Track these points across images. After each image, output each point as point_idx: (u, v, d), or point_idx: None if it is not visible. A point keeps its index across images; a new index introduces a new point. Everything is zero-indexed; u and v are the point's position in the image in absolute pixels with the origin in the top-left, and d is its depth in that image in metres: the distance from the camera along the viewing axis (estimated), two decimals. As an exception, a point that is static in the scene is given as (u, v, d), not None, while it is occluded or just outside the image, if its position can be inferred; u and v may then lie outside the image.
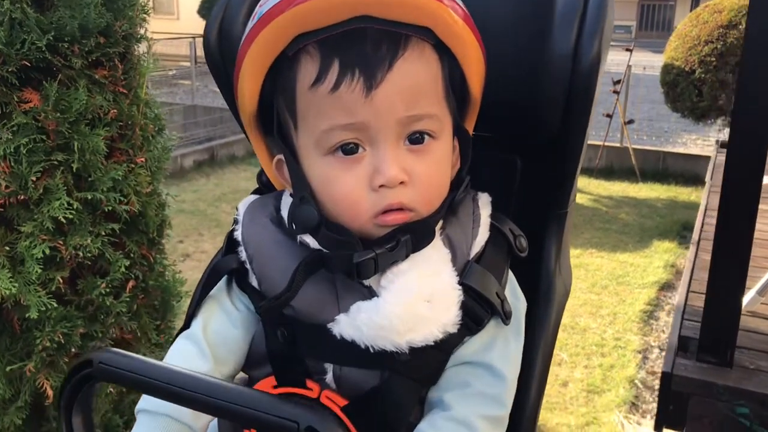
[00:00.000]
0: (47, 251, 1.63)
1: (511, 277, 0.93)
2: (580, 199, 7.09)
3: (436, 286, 0.85)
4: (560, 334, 3.61)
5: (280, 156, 0.92)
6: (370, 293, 0.86)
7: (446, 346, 0.86)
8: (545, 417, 3.22)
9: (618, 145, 8.23)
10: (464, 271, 0.87)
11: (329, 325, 0.86)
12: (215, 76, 1.15)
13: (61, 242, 1.66)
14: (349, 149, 0.83)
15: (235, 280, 0.96)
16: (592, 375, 3.63)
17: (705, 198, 4.16)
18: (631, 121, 7.99)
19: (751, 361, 2.22)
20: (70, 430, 0.76)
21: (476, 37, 0.87)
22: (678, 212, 6.50)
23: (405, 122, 0.83)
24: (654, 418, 3.29)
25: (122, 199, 1.76)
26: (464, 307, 0.85)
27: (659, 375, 3.78)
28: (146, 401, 0.88)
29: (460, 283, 0.86)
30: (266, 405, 0.64)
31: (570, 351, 3.89)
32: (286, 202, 0.94)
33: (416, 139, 0.84)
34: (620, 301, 4.58)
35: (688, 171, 7.85)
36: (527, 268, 0.94)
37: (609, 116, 7.71)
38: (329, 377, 0.90)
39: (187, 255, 5.16)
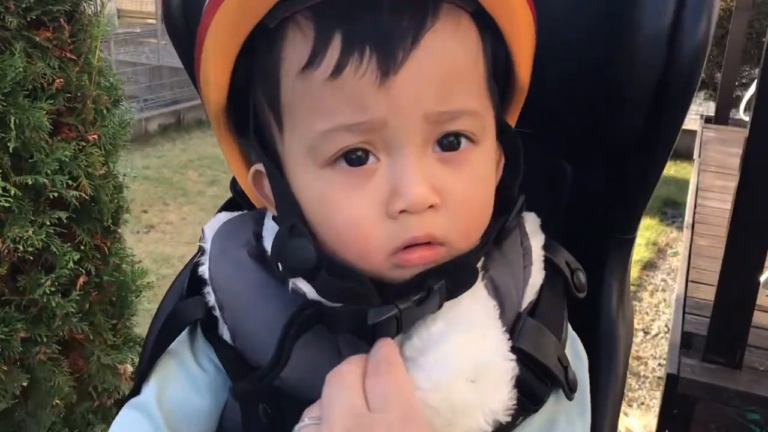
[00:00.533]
0: (-20, 244, 1.39)
1: (570, 331, 0.71)
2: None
3: (482, 356, 0.61)
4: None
5: (259, 166, 0.68)
6: None
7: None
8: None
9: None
10: (515, 330, 0.65)
11: None
12: (177, 46, 0.92)
13: (-3, 234, 1.42)
14: (356, 158, 0.60)
15: (201, 331, 0.73)
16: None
17: (695, 176, 4.01)
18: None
19: (761, 362, 2.07)
20: None
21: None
22: (658, 187, 6.29)
23: (435, 120, 0.59)
24: (641, 407, 3.18)
25: (71, 182, 1.52)
26: (518, 381, 0.63)
27: (644, 360, 3.67)
28: None
29: (513, 348, 0.64)
30: None
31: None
32: (270, 227, 0.71)
33: (450, 144, 0.61)
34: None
35: (678, 146, 7.74)
36: (580, 311, 0.73)
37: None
38: None
39: (152, 226, 4.89)
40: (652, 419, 2.99)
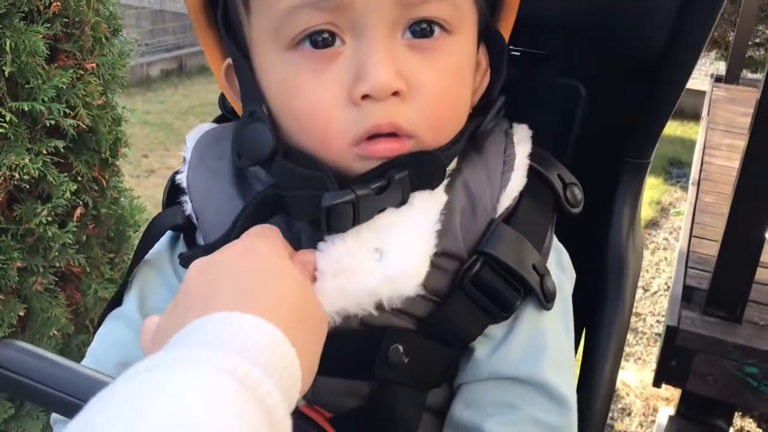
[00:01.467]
0: (-24, 171, 1.37)
1: (555, 242, 0.68)
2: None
3: (393, 227, 0.60)
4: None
5: (230, 60, 0.66)
6: None
7: (456, 332, 0.63)
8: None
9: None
10: (486, 234, 0.62)
11: None
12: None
13: (-8, 161, 1.39)
14: (321, 40, 0.57)
15: (183, 239, 0.71)
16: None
17: (702, 135, 3.95)
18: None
19: (762, 317, 2.06)
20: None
21: None
22: (663, 147, 6.31)
23: (406, 1, 0.56)
24: (637, 362, 3.19)
25: (68, 111, 1.48)
26: (483, 284, 0.61)
27: (643, 317, 3.67)
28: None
29: (479, 251, 0.61)
30: None
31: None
32: None
33: (422, 31, 0.57)
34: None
35: (683, 103, 7.65)
36: (589, 236, 0.70)
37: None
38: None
39: (152, 171, 4.86)
40: (648, 374, 3.00)
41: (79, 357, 1.77)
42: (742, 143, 2.96)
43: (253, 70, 0.62)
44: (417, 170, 0.59)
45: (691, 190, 3.08)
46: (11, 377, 0.50)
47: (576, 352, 0.71)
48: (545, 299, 0.63)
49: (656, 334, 3.37)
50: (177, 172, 0.70)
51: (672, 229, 4.57)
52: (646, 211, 4.82)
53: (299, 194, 0.60)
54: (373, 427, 0.63)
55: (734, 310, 2.01)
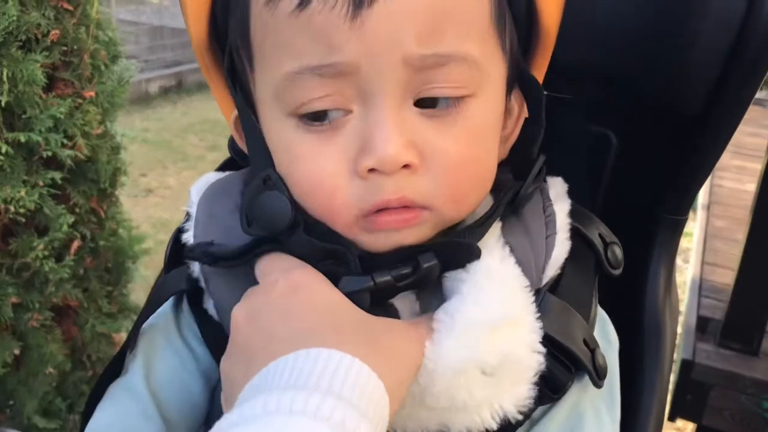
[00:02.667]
0: (-30, 204, 1.32)
1: (599, 310, 0.63)
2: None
3: (509, 347, 0.53)
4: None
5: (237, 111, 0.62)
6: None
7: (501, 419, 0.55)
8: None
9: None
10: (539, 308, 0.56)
11: None
12: None
13: (-13, 193, 1.34)
14: (324, 113, 0.53)
15: (187, 303, 0.65)
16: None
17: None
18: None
19: (779, 350, 2.01)
20: None
21: None
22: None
23: (418, 66, 0.51)
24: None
25: (66, 141, 1.44)
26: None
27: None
28: None
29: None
30: None
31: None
32: None
33: (431, 102, 0.53)
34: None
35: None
36: (623, 297, 0.64)
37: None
38: None
39: (150, 190, 4.81)
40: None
41: (75, 395, 1.72)
42: (752, 164, 2.91)
43: (260, 127, 0.58)
44: (447, 257, 0.55)
45: (701, 214, 3.03)
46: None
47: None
48: (597, 376, 0.57)
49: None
50: (180, 230, 0.65)
51: (680, 250, 4.52)
52: (650, 232, 4.78)
53: (319, 268, 0.55)
54: None
55: (750, 342, 1.96)
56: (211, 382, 0.65)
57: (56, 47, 1.42)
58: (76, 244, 1.51)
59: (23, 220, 1.42)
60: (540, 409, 0.58)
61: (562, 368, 0.56)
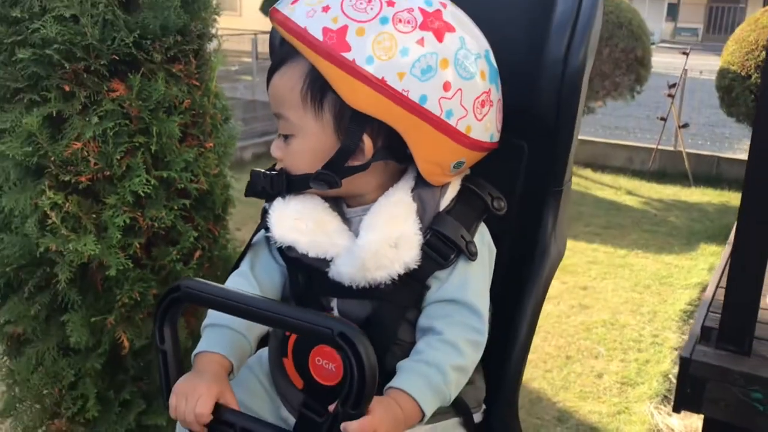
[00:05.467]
0: (127, 221, 1.86)
1: (482, 228, 1.14)
2: (629, 201, 7.13)
3: (400, 231, 1.06)
4: (599, 329, 3.75)
5: None
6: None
7: (418, 276, 1.08)
8: (577, 405, 3.37)
9: (671, 148, 8.22)
10: (435, 219, 1.09)
11: (326, 269, 1.09)
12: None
13: (139, 213, 1.89)
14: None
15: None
16: (628, 368, 3.75)
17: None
18: (685, 125, 7.97)
19: (770, 351, 2.33)
20: (161, 337, 0.99)
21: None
22: (728, 217, 6.49)
23: (277, 117, 1.19)
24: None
25: (193, 178, 1.97)
26: (431, 245, 1.07)
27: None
28: (210, 318, 1.12)
29: (429, 228, 1.07)
30: (309, 317, 0.86)
31: (608, 345, 4.00)
32: None
33: (284, 136, 1.19)
34: (661, 301, 4.66)
35: (742, 176, 7.78)
36: (529, 235, 1.13)
37: (663, 119, 7.72)
38: (335, 311, 1.13)
39: (244, 242, 5.42)
40: (695, 420, 3.21)
41: (191, 366, 2.23)
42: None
43: None
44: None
45: (726, 248, 3.36)
46: (198, 295, 0.96)
47: (508, 308, 1.14)
48: (469, 255, 1.09)
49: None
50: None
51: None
52: (704, 276, 5.03)
53: None
54: (371, 331, 1.04)
55: (742, 344, 2.29)
56: (284, 276, 1.19)
57: (188, 111, 1.97)
58: (198, 253, 2.05)
59: (162, 233, 1.97)
60: (444, 275, 1.09)
61: (447, 247, 1.08)
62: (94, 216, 1.89)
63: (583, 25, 1.05)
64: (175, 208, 1.96)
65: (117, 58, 1.83)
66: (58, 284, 1.88)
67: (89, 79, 1.81)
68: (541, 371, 3.67)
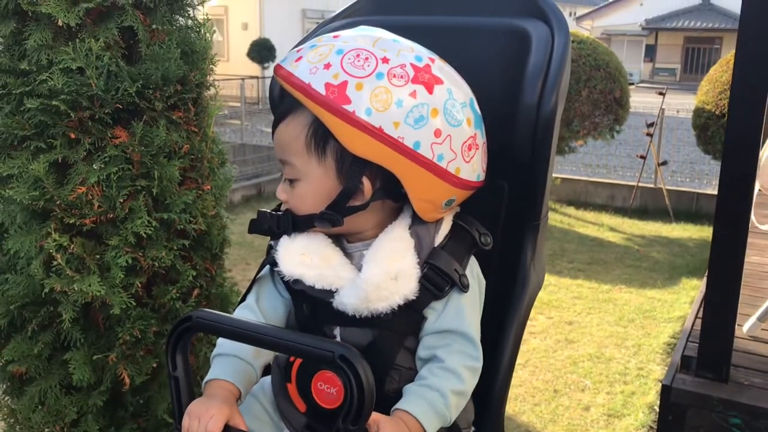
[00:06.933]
0: (129, 261, 1.93)
1: (473, 262, 1.24)
2: (612, 237, 7.27)
3: (400, 266, 1.16)
4: (585, 363, 3.86)
5: None
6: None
7: (416, 306, 1.17)
8: (565, 437, 3.43)
9: (652, 185, 8.41)
10: (430, 254, 1.19)
11: (330, 300, 1.18)
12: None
13: (140, 254, 1.97)
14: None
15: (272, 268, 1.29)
16: (614, 401, 3.82)
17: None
18: (664, 162, 8.18)
19: (746, 378, 2.42)
20: (173, 364, 1.07)
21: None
22: (708, 251, 6.62)
23: (282, 163, 1.26)
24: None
25: (191, 219, 2.05)
26: (428, 278, 1.17)
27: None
28: (219, 348, 1.21)
29: (426, 262, 1.18)
30: (312, 341, 0.95)
31: (594, 378, 4.08)
32: None
33: (290, 180, 1.27)
34: (645, 334, 4.76)
35: (721, 212, 7.97)
36: (511, 266, 1.24)
37: (643, 157, 7.92)
38: (338, 338, 1.22)
39: (235, 283, 5.48)
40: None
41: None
42: (759, 241, 3.35)
43: None
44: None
45: (704, 280, 3.47)
46: (209, 324, 1.04)
47: (493, 333, 1.23)
48: (462, 287, 1.18)
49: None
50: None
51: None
52: (686, 310, 5.14)
53: None
54: (371, 358, 1.10)
55: (720, 372, 2.39)
56: (288, 308, 1.28)
57: (187, 156, 2.06)
58: (196, 291, 2.12)
59: (162, 272, 2.05)
60: (440, 306, 1.18)
61: (442, 279, 1.17)
62: (97, 257, 1.96)
63: (554, 74, 1.17)
64: (175, 248, 2.04)
65: (120, 106, 1.92)
66: (61, 323, 1.94)
67: (94, 126, 1.90)
68: (530, 405, 3.73)
